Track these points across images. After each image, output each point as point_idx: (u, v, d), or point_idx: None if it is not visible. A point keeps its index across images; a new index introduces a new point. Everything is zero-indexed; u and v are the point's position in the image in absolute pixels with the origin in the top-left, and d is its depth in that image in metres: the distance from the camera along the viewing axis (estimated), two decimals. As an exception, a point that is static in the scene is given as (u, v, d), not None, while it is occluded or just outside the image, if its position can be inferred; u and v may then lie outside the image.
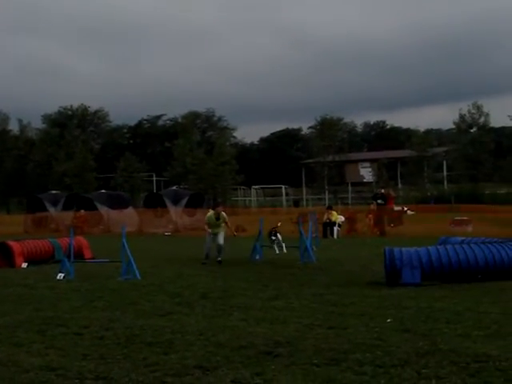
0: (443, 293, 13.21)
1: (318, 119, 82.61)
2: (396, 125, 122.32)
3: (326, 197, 76.75)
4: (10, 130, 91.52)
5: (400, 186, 76.75)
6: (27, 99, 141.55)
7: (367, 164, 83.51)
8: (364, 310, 11.51)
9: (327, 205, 51.35)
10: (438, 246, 15.65)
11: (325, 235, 34.02)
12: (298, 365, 7.76)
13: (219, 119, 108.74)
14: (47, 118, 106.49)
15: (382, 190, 42.25)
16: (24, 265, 20.01)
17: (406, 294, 13.08)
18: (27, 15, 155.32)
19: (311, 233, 22.97)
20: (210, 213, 22.00)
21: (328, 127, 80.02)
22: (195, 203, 44.67)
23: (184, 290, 14.37)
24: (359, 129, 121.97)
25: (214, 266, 19.90)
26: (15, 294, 14.16)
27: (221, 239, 21.32)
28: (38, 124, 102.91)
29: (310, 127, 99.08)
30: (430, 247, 15.28)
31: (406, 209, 46.07)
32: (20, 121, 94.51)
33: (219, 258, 20.82)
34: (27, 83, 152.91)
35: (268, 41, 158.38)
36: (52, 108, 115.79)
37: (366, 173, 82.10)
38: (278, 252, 24.00)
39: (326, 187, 78.06)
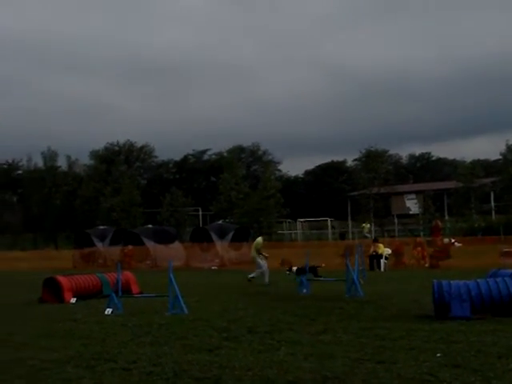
0: (493, 326, 12.99)
1: (363, 151, 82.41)
2: (441, 156, 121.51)
3: (372, 229, 76.22)
4: (59, 167, 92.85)
5: (447, 217, 75.92)
6: (75, 136, 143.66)
7: (413, 196, 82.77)
8: (413, 344, 11.37)
9: (373, 237, 51.00)
10: (488, 279, 15.41)
11: (371, 268, 33.76)
12: (347, 400, 7.70)
13: (264, 153, 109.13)
14: (95, 155, 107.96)
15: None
16: (72, 300, 20.15)
17: (456, 328, 12.90)
18: (76, 55, 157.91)
19: (358, 266, 22.82)
20: (260, 239, 26.03)
21: (373, 159, 79.69)
22: (241, 237, 44.70)
23: (231, 324, 14.34)
24: (404, 161, 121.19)
25: (262, 299, 19.83)
26: (64, 329, 14.27)
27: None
28: (85, 160, 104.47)
29: (355, 159, 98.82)
30: (479, 280, 15.07)
31: (453, 241, 45.49)
32: (68, 157, 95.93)
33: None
34: (75, 120, 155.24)
35: (309, 75, 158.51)
36: (99, 144, 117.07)
37: (412, 205, 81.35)
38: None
39: (372, 220, 77.55)
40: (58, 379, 9.28)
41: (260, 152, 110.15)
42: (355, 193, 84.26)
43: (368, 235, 64.52)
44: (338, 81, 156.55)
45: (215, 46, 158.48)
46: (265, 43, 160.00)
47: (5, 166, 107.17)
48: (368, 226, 71.51)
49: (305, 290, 21.46)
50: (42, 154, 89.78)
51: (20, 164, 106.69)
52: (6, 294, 24.32)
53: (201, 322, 14.77)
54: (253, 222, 72.35)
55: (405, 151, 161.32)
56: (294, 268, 25.62)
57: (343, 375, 8.95)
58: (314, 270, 25.10)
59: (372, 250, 35.09)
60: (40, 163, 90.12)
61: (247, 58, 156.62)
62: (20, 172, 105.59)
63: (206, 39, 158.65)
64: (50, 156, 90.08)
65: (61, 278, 20.94)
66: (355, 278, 20.78)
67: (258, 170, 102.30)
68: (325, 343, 11.67)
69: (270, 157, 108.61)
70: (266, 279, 26.08)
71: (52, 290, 20.73)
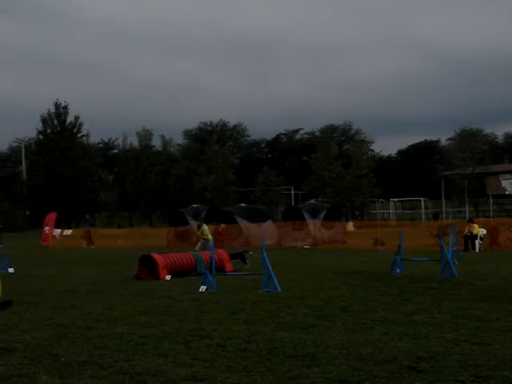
0: None
1: (457, 131, 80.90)
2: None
3: (467, 209, 74.83)
4: (153, 146, 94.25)
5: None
6: (169, 116, 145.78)
7: (509, 176, 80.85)
8: (510, 325, 11.17)
9: (468, 217, 50.05)
10: None
11: (466, 249, 33.17)
12: (443, 381, 7.63)
13: (356, 132, 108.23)
14: (188, 134, 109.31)
15: None
16: (168, 277, 20.50)
17: (555, 310, 12.61)
18: (170, 38, 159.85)
19: (452, 246, 22.46)
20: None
21: (467, 139, 78.17)
22: (333, 216, 44.54)
23: (324, 303, 14.37)
24: (500, 140, 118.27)
25: (355, 278, 19.76)
26: (160, 305, 14.56)
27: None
28: (179, 140, 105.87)
29: (449, 139, 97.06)
30: None
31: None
32: (162, 137, 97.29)
33: None
34: (169, 101, 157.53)
35: (401, 54, 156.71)
36: (192, 124, 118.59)
37: (508, 184, 79.50)
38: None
39: (466, 199, 76.15)
40: (154, 354, 9.49)
41: (352, 131, 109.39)
42: (449, 172, 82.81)
43: None
44: (431, 59, 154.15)
45: (308, 26, 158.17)
46: (356, 23, 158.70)
47: (101, 146, 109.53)
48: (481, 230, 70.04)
49: (398, 270, 21.28)
50: (137, 133, 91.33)
51: (116, 143, 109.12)
52: (103, 270, 24.92)
53: (294, 301, 14.85)
54: (345, 201, 72.03)
55: (500, 130, 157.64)
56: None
57: (438, 355, 8.87)
58: (241, 256, 24.50)
59: (467, 230, 34.45)
60: (135, 143, 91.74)
61: (339, 38, 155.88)
62: (116, 151, 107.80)
63: (299, 19, 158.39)
64: (144, 135, 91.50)
65: (156, 256, 21.32)
66: (450, 258, 20.48)
67: (350, 149, 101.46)
68: (419, 323, 11.58)
69: (363, 136, 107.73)
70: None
71: (148, 267, 21.14)
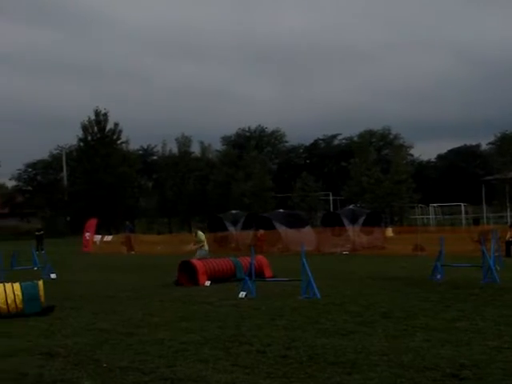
0: None
1: (498, 135, 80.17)
2: None
3: (508, 214, 73.99)
4: (192, 152, 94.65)
5: None
6: (208, 122, 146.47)
7: (551, 180, 79.87)
8: (554, 332, 11.03)
9: (510, 223, 49.50)
10: None
11: (508, 254, 32.79)
12: (487, 389, 7.55)
13: (395, 137, 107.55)
14: (226, 140, 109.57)
15: None
16: (207, 283, 20.55)
17: None
18: (207, 45, 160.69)
19: (494, 252, 22.22)
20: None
21: (508, 143, 77.37)
22: (372, 222, 44.34)
23: (364, 309, 14.31)
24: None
25: (395, 284, 19.63)
26: (200, 311, 14.61)
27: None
28: (217, 146, 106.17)
29: (489, 143, 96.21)
30: None
31: None
32: (201, 143, 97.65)
33: None
34: (208, 107, 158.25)
35: (440, 58, 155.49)
36: (231, 130, 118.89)
37: (551, 189, 78.56)
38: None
39: (508, 204, 75.29)
40: (195, 360, 9.52)
41: (391, 136, 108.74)
42: (490, 177, 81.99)
43: None
44: (469, 63, 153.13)
45: (343, 30, 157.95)
46: (391, 26, 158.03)
47: (140, 152, 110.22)
48: None
49: (439, 276, 21.11)
50: (176, 139, 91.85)
51: (155, 150, 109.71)
52: (143, 276, 25.07)
53: (334, 307, 14.80)
54: (384, 206, 71.65)
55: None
56: None
57: (481, 363, 8.78)
58: None
59: (508, 235, 34.06)
60: (174, 149, 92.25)
61: (376, 42, 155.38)
62: (155, 158, 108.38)
63: (334, 24, 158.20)
64: (183, 142, 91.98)
65: (196, 262, 21.40)
66: (491, 264, 20.27)
67: (389, 154, 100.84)
68: (461, 330, 11.48)
69: (401, 141, 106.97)
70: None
71: (187, 273, 21.22)
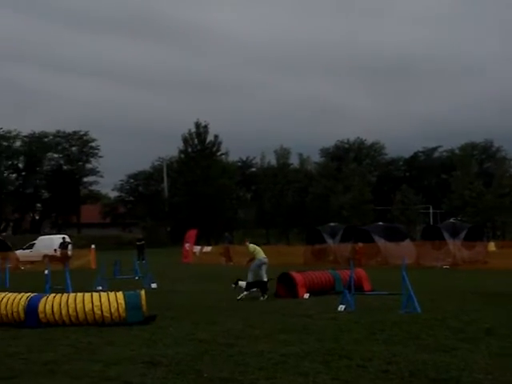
0: None
1: None
2: None
3: None
4: (291, 164, 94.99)
5: None
6: (306, 134, 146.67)
7: None
8: None
9: None
10: None
11: None
12: None
13: (497, 150, 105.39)
14: (325, 152, 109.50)
15: None
16: (306, 295, 20.53)
17: None
18: (305, 58, 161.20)
19: None
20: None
21: None
22: (474, 236, 43.47)
23: (467, 325, 14.01)
24: None
25: (499, 300, 19.18)
26: (299, 324, 14.58)
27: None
28: (316, 158, 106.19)
29: None
30: None
31: None
32: (300, 155, 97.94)
33: None
34: (307, 119, 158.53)
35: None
36: (329, 142, 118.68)
37: None
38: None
39: None
40: (295, 373, 9.50)
41: (493, 149, 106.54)
42: None
43: None
44: None
45: (444, 44, 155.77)
46: (492, 39, 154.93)
47: (239, 164, 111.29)
48: None
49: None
50: (275, 151, 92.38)
51: (254, 162, 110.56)
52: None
53: (435, 322, 14.55)
54: (486, 220, 70.22)
55: None
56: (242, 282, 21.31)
57: None
58: (261, 284, 21.29)
59: None
60: (273, 161, 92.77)
61: (475, 55, 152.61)
62: (254, 169, 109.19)
63: (437, 37, 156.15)
64: (282, 154, 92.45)
65: (295, 274, 21.40)
66: None
67: (492, 167, 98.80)
68: None
69: (504, 153, 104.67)
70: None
71: (286, 285, 21.23)
